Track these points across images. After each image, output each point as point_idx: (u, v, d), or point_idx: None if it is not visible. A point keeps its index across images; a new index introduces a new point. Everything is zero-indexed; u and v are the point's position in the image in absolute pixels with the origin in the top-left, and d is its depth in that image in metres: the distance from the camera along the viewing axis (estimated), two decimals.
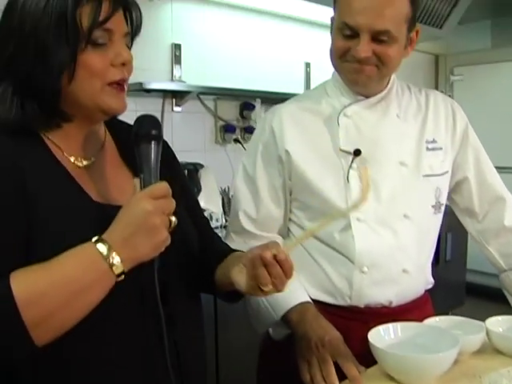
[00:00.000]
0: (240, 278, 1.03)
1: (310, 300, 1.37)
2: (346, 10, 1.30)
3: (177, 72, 3.10)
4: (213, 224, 2.79)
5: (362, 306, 1.39)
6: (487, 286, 3.98)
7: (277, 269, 0.98)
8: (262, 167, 1.45)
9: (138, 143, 0.98)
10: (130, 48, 1.06)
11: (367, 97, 1.42)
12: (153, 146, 0.98)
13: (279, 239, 1.48)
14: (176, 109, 3.14)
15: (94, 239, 0.89)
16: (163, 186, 0.93)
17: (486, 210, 1.55)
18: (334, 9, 1.38)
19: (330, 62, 1.42)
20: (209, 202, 2.85)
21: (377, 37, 1.29)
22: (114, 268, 0.88)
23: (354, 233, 1.36)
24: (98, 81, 0.99)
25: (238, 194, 1.50)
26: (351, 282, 1.38)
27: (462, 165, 1.52)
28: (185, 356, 1.06)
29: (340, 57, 1.35)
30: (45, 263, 0.88)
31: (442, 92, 4.96)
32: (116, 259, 0.88)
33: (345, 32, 1.31)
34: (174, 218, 0.93)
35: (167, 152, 1.19)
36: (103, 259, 0.87)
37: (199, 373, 1.16)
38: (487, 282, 4.00)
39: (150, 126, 0.99)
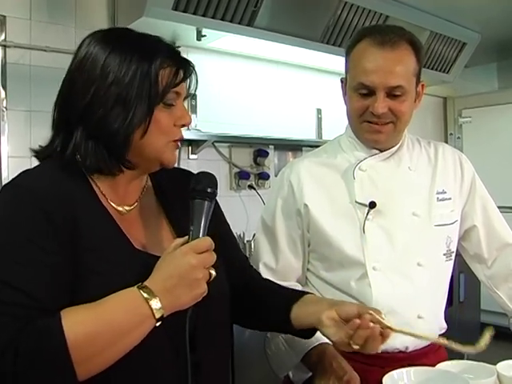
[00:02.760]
0: (331, 330, 1.12)
1: (329, 341, 1.42)
2: (361, 71, 1.39)
3: (193, 121, 3.21)
4: None
5: (380, 352, 1.43)
6: (502, 326, 3.98)
7: (373, 333, 1.08)
8: (281, 220, 1.52)
9: (193, 197, 1.06)
10: None
11: (381, 151, 1.50)
12: (206, 202, 1.06)
13: (298, 287, 1.53)
14: (192, 157, 3.24)
15: (138, 285, 0.96)
16: (207, 241, 1.01)
17: (494, 256, 1.61)
18: (347, 71, 1.47)
19: (348, 121, 1.52)
20: None
21: (391, 92, 1.39)
22: (155, 313, 0.94)
23: (371, 281, 1.42)
24: (164, 137, 1.09)
25: (258, 246, 1.57)
26: None
27: (471, 213, 1.58)
28: None
29: (359, 116, 1.44)
30: (92, 305, 0.94)
31: (451, 134, 5.01)
32: (157, 305, 0.94)
33: (361, 91, 1.40)
34: (213, 272, 1.00)
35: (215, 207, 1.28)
36: (146, 304, 0.94)
37: None
38: (502, 322, 3.99)
39: (207, 183, 1.07)
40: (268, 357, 1.52)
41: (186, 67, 1.11)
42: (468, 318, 3.94)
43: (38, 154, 1.13)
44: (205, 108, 3.28)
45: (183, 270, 0.96)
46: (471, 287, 3.86)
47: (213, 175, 1.10)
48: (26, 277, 0.92)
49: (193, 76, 1.15)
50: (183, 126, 1.12)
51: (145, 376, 1.03)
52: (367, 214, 1.44)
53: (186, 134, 3.10)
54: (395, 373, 1.29)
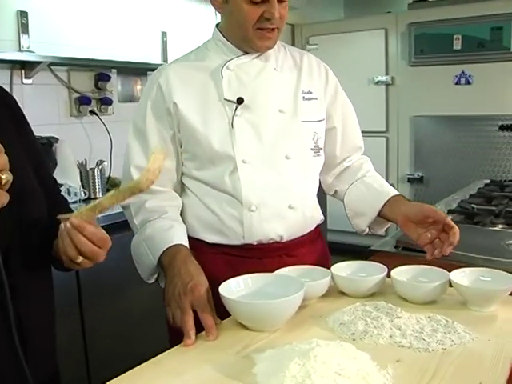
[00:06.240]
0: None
1: (185, 243, 1.42)
2: None
3: (24, 42, 2.94)
4: (71, 198, 2.70)
5: (255, 243, 1.51)
6: (346, 243, 4.25)
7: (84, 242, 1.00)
8: (152, 122, 1.52)
9: None
10: None
11: (247, 52, 1.54)
12: None
13: (172, 193, 1.55)
14: (26, 81, 2.98)
15: None
16: None
17: (344, 156, 1.72)
18: None
19: (229, 29, 1.52)
20: (66, 176, 2.75)
21: None
22: None
23: (240, 174, 1.47)
24: None
25: (129, 149, 1.55)
26: (242, 221, 1.49)
27: (332, 115, 1.66)
28: (29, 330, 1.03)
29: (254, 24, 1.44)
30: None
31: None
32: None
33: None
34: (5, 175, 0.84)
35: (15, 110, 1.15)
36: None
37: (46, 349, 1.14)
38: (347, 239, 4.27)
39: None
40: (134, 261, 1.50)
41: None
42: None
43: None
44: (38, 27, 3.00)
45: None
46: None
47: None
48: None
49: None
50: None
51: None
52: (235, 109, 1.48)
53: (17, 56, 2.85)
54: (232, 281, 1.28)
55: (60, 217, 1.00)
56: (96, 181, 2.92)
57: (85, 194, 2.82)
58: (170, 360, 1.10)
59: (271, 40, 1.49)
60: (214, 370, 1.03)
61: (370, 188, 1.64)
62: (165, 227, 1.44)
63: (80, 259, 1.00)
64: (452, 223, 1.40)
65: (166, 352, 1.13)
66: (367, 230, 1.67)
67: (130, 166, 1.53)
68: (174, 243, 1.39)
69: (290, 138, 1.53)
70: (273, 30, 1.46)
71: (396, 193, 1.61)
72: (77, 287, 2.45)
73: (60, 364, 1.22)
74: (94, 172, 2.91)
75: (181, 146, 1.54)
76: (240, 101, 1.48)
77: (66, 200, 1.33)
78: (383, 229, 1.68)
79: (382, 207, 1.58)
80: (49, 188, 1.20)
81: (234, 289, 1.26)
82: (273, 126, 1.51)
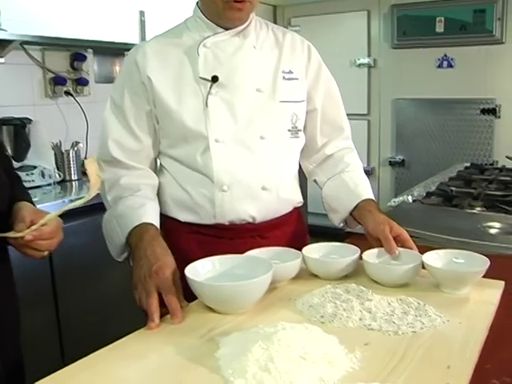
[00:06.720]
0: None
1: (154, 222, 1.39)
2: None
3: None
4: (45, 181, 2.65)
5: (227, 223, 1.49)
6: (327, 226, 4.22)
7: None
8: (128, 98, 1.50)
9: None
10: None
11: (226, 29, 1.51)
12: None
13: (148, 171, 1.54)
14: None
15: None
16: None
17: (325, 140, 1.68)
18: None
19: (203, 4, 1.51)
20: (40, 157, 2.70)
21: None
22: None
23: (212, 153, 1.45)
24: None
25: (107, 124, 1.53)
26: (213, 200, 1.46)
27: (313, 96, 1.62)
28: None
29: None
30: None
31: None
32: None
33: None
34: None
35: None
36: None
37: (10, 328, 1.12)
38: (327, 223, 4.24)
39: None
40: (105, 237, 1.48)
41: None
42: None
43: None
44: (10, 4, 2.90)
45: None
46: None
47: None
48: None
49: None
50: None
51: None
52: (210, 88, 1.46)
53: None
54: (198, 263, 1.24)
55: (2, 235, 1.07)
56: (71, 162, 2.88)
57: (59, 176, 2.77)
58: (133, 343, 1.06)
59: (243, 12, 1.45)
60: (176, 354, 1.00)
61: (345, 187, 1.59)
62: (135, 205, 1.42)
63: (46, 253, 1.12)
64: (410, 244, 1.38)
65: (129, 335, 1.10)
66: (342, 224, 1.65)
67: (108, 140, 1.51)
68: (142, 221, 1.36)
69: (266, 118, 1.50)
70: (243, 1, 1.43)
71: (367, 196, 1.56)
72: (50, 272, 2.41)
73: (33, 350, 1.20)
74: (69, 154, 2.87)
75: (158, 123, 1.52)
76: (215, 79, 1.45)
77: (19, 177, 1.32)
78: (357, 226, 1.63)
79: (353, 209, 1.55)
80: (7, 169, 1.19)
81: (200, 271, 1.22)
82: (248, 104, 1.49)
